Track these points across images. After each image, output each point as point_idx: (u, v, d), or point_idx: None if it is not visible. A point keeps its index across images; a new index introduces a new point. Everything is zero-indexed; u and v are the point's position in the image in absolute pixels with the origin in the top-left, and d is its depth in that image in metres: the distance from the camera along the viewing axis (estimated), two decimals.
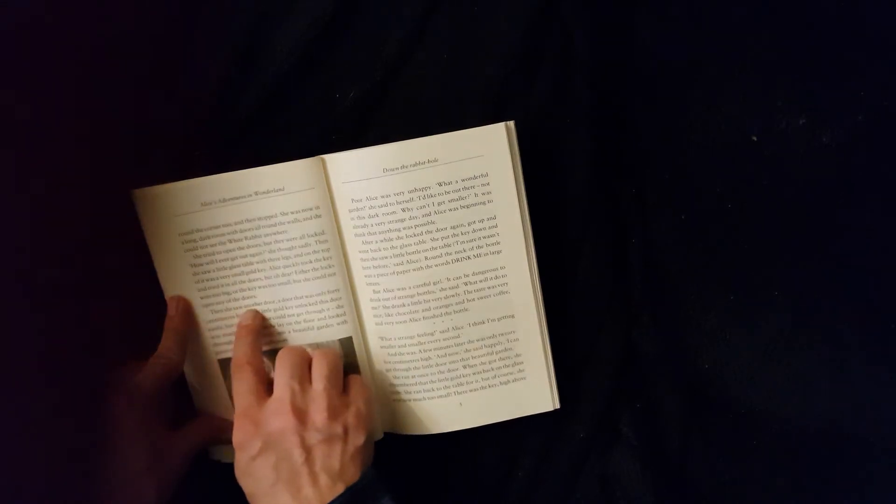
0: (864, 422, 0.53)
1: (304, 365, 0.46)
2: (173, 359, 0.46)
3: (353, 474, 0.44)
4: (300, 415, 0.44)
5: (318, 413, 0.44)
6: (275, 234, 0.47)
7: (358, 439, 0.45)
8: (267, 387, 0.46)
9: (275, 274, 0.48)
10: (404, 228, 0.47)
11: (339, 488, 0.43)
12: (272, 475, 0.43)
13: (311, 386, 0.46)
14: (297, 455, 0.43)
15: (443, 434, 0.51)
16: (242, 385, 0.45)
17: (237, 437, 0.44)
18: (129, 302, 0.48)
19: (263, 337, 0.49)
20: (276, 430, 0.43)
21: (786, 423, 0.54)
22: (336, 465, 0.44)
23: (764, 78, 0.51)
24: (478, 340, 0.50)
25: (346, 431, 0.45)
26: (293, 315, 0.49)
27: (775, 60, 0.51)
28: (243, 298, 0.48)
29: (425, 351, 0.49)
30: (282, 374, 0.45)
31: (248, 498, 0.44)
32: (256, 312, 0.48)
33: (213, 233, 0.47)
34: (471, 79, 0.51)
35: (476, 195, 0.48)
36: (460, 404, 0.51)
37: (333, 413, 0.45)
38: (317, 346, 0.49)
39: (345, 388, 0.48)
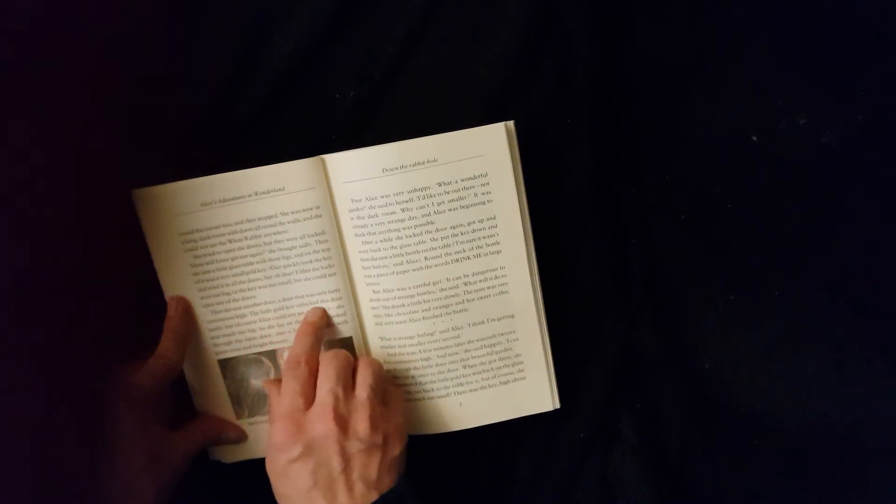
0: (863, 422, 0.53)
1: (349, 371, 0.46)
2: (173, 359, 0.46)
3: (388, 483, 0.44)
4: (342, 422, 0.44)
5: (360, 422, 0.44)
6: (275, 234, 0.47)
7: (395, 450, 0.45)
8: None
9: (275, 274, 0.48)
10: (404, 228, 0.47)
11: (374, 496, 0.43)
12: (309, 480, 0.43)
13: (355, 393, 0.45)
14: (337, 463, 0.43)
15: (443, 434, 0.51)
16: (294, 383, 0.45)
17: (279, 437, 0.44)
18: (128, 302, 0.48)
19: (264, 338, 0.49)
20: (318, 435, 0.43)
21: (786, 423, 0.54)
22: (373, 474, 0.44)
23: (764, 78, 0.51)
24: (478, 340, 0.50)
25: (385, 442, 0.45)
26: (293, 315, 0.49)
27: (775, 60, 0.51)
28: (243, 298, 0.48)
29: (425, 351, 0.49)
30: (326, 379, 0.45)
31: (279, 498, 0.45)
32: (324, 311, 0.48)
33: (213, 233, 0.47)
34: (471, 79, 0.51)
35: (476, 195, 0.48)
36: (460, 404, 0.51)
37: (375, 423, 0.44)
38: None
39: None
